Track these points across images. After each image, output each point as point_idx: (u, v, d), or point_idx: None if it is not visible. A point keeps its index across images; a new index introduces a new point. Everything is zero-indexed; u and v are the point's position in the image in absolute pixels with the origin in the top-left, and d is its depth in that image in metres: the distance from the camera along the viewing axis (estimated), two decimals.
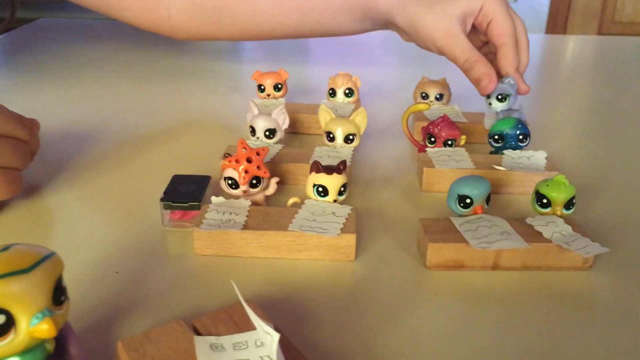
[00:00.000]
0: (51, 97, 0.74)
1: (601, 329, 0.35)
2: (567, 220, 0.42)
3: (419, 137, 0.60)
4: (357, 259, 0.41)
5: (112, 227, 0.45)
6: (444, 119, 0.55)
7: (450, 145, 0.54)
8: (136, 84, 0.80)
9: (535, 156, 0.53)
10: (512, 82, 0.58)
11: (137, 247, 0.42)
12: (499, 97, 0.58)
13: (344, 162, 0.44)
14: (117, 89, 0.78)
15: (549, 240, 0.40)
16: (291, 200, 0.44)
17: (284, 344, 0.30)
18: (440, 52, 0.60)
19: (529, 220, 0.42)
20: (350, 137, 0.54)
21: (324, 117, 0.56)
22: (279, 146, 0.55)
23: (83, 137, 0.61)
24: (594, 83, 0.90)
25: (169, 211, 0.44)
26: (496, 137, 0.54)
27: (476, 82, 0.58)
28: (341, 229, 0.40)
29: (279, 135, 0.55)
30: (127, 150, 0.58)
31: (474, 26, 0.61)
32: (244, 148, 0.44)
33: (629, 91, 0.84)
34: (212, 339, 0.29)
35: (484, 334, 0.34)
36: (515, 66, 0.59)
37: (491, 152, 0.56)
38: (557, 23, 2.92)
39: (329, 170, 0.43)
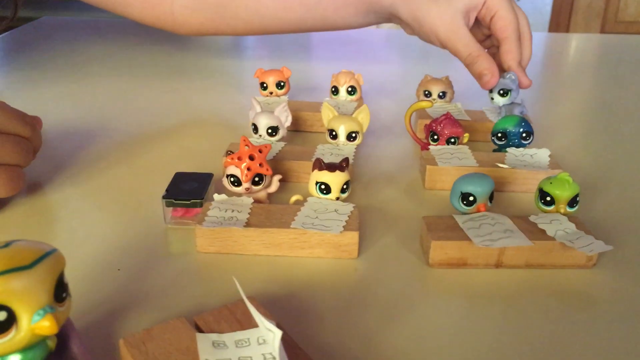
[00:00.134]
0: (53, 95, 0.74)
1: (605, 327, 0.35)
2: (571, 218, 0.42)
3: (421, 134, 0.60)
4: (360, 257, 0.41)
5: (114, 224, 0.45)
6: (447, 116, 0.55)
7: (453, 143, 0.54)
8: (138, 82, 0.80)
9: (539, 154, 0.53)
10: (513, 77, 0.58)
11: (139, 245, 0.42)
12: (501, 91, 0.58)
13: (346, 160, 0.44)
14: (120, 86, 0.78)
15: (552, 238, 0.40)
16: (294, 198, 0.44)
17: (286, 341, 0.30)
18: (443, 46, 0.60)
19: (532, 218, 0.42)
20: (353, 134, 0.54)
21: (327, 115, 0.56)
22: (282, 144, 0.54)
23: (85, 135, 0.61)
24: (597, 81, 0.90)
25: (171, 209, 0.44)
26: (499, 134, 0.54)
27: (478, 77, 0.58)
28: (344, 227, 0.40)
29: (281, 132, 0.55)
30: (129, 147, 0.58)
31: (477, 20, 0.61)
32: (247, 145, 0.44)
33: (632, 89, 0.84)
34: (214, 336, 0.29)
35: (487, 332, 0.34)
36: (518, 60, 0.59)
37: (494, 150, 0.55)
38: (560, 22, 2.91)
39: (331, 167, 0.43)
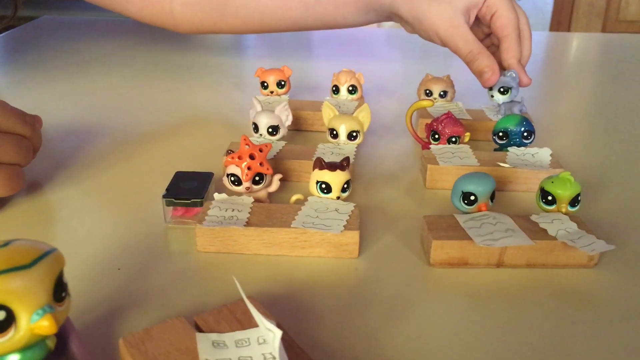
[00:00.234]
0: (54, 94, 0.74)
1: (606, 327, 0.35)
2: (572, 217, 0.42)
3: (422, 134, 0.59)
4: (360, 256, 0.41)
5: (114, 223, 0.45)
6: (448, 115, 0.54)
7: (454, 142, 0.54)
8: (139, 81, 0.80)
9: (540, 153, 0.53)
10: (514, 75, 0.58)
11: (139, 244, 0.42)
12: (501, 89, 0.58)
13: (347, 159, 0.44)
14: (120, 85, 0.78)
15: (554, 238, 0.40)
16: (294, 197, 0.44)
17: (286, 341, 0.29)
18: (444, 44, 0.60)
19: (533, 218, 0.42)
20: (354, 133, 0.54)
21: (327, 114, 0.56)
22: (282, 143, 0.54)
23: (85, 134, 0.61)
24: (598, 80, 0.90)
25: (171, 208, 0.44)
26: (500, 134, 0.54)
27: (479, 74, 0.58)
28: (344, 226, 0.40)
29: (282, 132, 0.55)
30: (129, 146, 0.58)
31: (477, 18, 0.61)
32: (247, 145, 0.44)
33: (633, 88, 0.83)
34: (214, 336, 0.29)
35: (488, 332, 0.34)
36: (518, 58, 0.59)
37: (495, 149, 0.55)
38: (561, 21, 2.91)
39: (332, 167, 0.43)
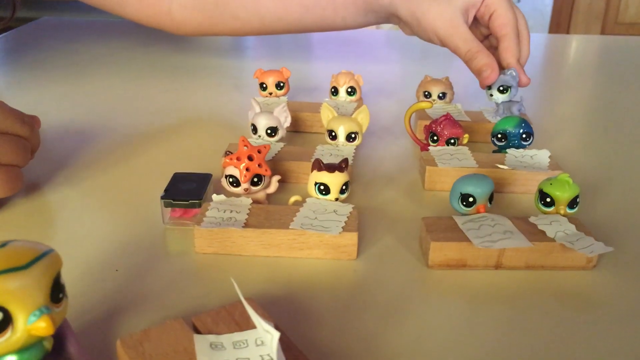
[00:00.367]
0: (52, 95, 0.74)
1: (605, 329, 0.35)
2: (571, 219, 0.42)
3: (421, 135, 0.59)
4: (359, 258, 0.41)
5: (113, 224, 0.44)
6: (447, 117, 0.54)
7: (453, 144, 0.54)
8: (137, 82, 0.79)
9: (539, 155, 0.53)
10: (514, 73, 0.58)
11: (138, 245, 0.42)
12: (501, 88, 0.58)
13: (345, 161, 0.44)
14: (118, 86, 0.78)
15: (552, 240, 0.39)
16: (293, 199, 0.44)
17: (284, 343, 0.29)
18: (443, 44, 0.60)
19: (532, 219, 0.42)
20: (352, 135, 0.54)
21: (326, 116, 0.56)
22: (281, 144, 0.54)
23: (84, 135, 0.61)
24: (597, 82, 0.90)
25: (169, 209, 0.44)
26: (499, 135, 0.54)
27: (478, 73, 0.58)
28: (343, 228, 0.40)
29: (280, 133, 0.55)
30: (127, 147, 0.58)
31: (475, 19, 0.61)
32: (246, 146, 0.44)
33: (631, 91, 0.83)
34: (212, 337, 0.29)
35: (487, 333, 0.34)
36: (517, 57, 0.59)
37: (494, 151, 0.55)
38: (560, 23, 2.91)
39: (330, 168, 0.43)
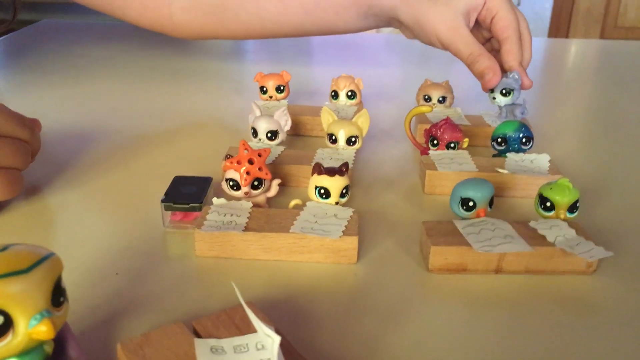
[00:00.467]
0: (53, 98, 0.74)
1: (605, 333, 0.35)
2: (571, 223, 0.42)
3: (421, 139, 0.60)
4: (359, 262, 0.41)
5: (113, 228, 0.44)
6: (447, 121, 0.54)
7: (453, 148, 0.54)
8: (138, 85, 0.80)
9: (539, 159, 0.53)
10: (516, 76, 0.58)
11: (138, 248, 0.42)
12: (503, 91, 0.58)
13: (346, 164, 0.44)
14: (119, 90, 0.78)
15: (552, 244, 0.40)
16: (293, 202, 0.44)
17: (285, 347, 0.29)
18: (444, 47, 0.60)
19: (532, 224, 0.42)
20: (353, 139, 0.54)
21: (326, 119, 0.56)
22: (281, 148, 0.54)
23: (84, 138, 0.61)
24: (596, 87, 0.90)
25: (169, 212, 0.44)
26: (499, 140, 0.54)
27: (480, 76, 0.58)
28: (343, 232, 0.40)
29: (281, 137, 0.55)
30: (128, 151, 0.58)
31: (477, 22, 0.61)
32: (246, 149, 0.44)
33: (631, 95, 0.84)
34: (212, 341, 0.29)
35: (487, 338, 0.34)
36: (519, 60, 0.59)
37: (494, 155, 0.55)
38: (560, 27, 2.92)
39: (331, 172, 0.43)
